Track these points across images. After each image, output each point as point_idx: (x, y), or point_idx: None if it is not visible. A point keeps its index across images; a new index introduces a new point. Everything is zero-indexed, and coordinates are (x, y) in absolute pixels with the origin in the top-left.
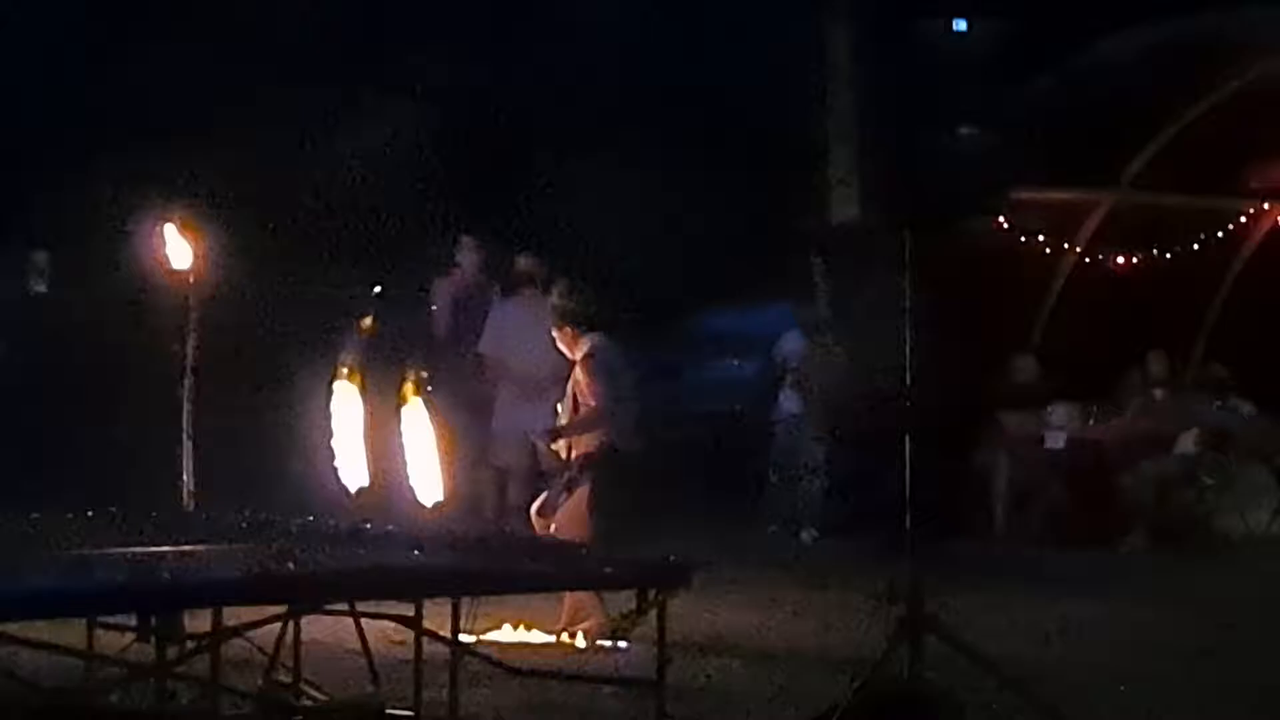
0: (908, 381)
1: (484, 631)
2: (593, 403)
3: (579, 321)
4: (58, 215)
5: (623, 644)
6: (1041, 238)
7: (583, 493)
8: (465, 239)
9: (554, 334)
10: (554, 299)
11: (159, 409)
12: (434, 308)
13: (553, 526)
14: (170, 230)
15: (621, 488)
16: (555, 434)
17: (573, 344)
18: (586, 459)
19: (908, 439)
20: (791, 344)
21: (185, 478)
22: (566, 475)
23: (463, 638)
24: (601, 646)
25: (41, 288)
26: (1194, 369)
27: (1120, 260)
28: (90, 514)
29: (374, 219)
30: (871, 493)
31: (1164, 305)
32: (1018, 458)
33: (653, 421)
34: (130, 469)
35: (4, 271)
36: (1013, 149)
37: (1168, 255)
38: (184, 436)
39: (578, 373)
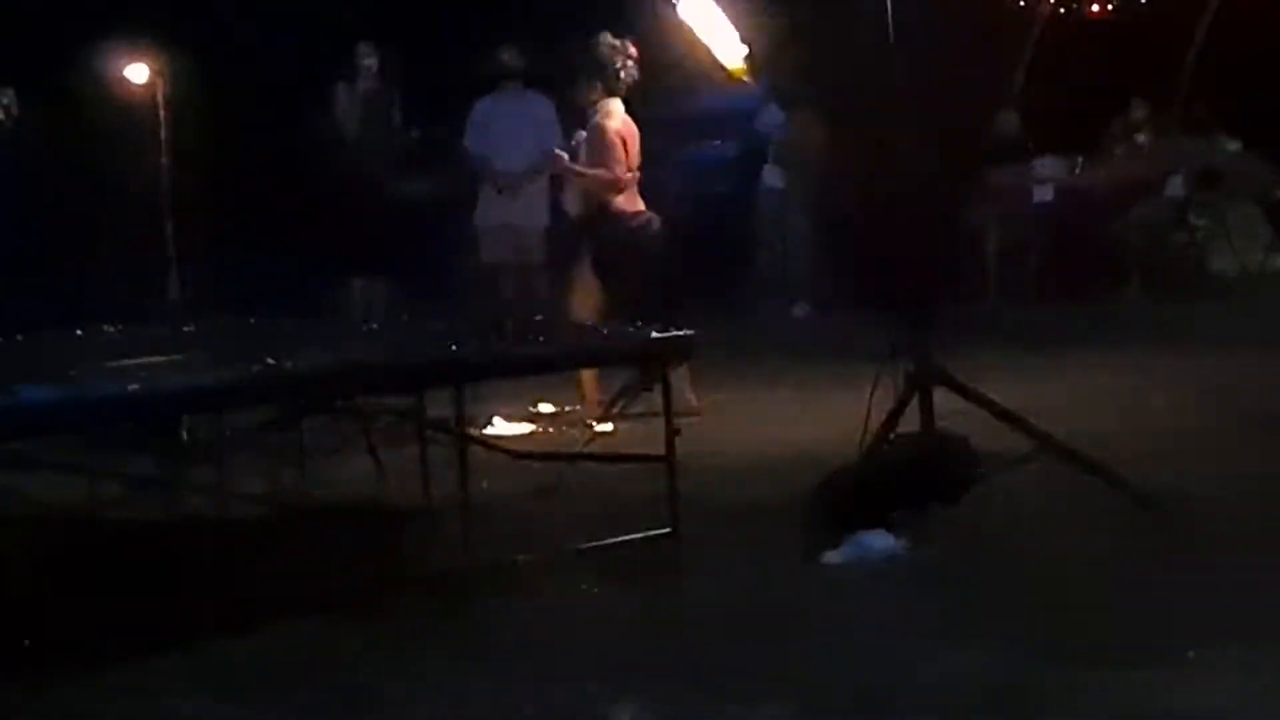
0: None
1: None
2: (609, 169)
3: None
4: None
5: (607, 426)
6: None
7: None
8: (362, 45)
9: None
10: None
11: (139, 226)
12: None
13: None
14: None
15: (629, 261)
16: (569, 171)
17: (598, 106)
18: (584, 221)
19: (894, 203)
20: (770, 117)
21: (172, 291)
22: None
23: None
24: (603, 430)
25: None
26: (1177, 111)
27: (1095, 8)
28: (80, 332)
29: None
30: (860, 262)
31: (1142, 49)
32: (1007, 214)
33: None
34: (116, 286)
35: None
36: None
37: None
38: (169, 250)
39: (599, 134)
